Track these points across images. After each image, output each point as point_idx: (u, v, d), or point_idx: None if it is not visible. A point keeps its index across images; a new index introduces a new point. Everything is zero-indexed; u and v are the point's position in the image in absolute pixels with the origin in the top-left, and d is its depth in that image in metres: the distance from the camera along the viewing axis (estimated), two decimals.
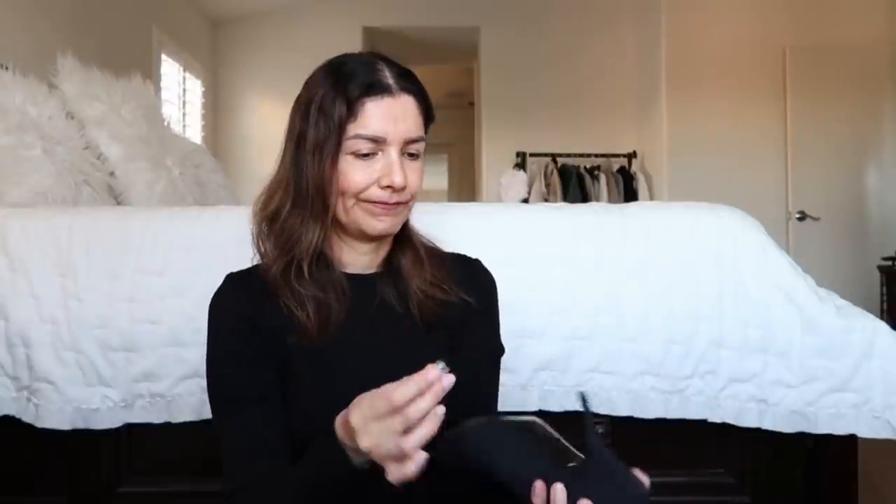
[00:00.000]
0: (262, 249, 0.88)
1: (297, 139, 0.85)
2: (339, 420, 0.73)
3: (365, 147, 0.82)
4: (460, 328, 0.94)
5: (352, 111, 0.81)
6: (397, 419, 0.66)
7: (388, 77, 0.83)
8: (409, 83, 0.84)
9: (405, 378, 0.67)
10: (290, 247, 0.85)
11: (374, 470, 0.70)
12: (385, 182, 0.83)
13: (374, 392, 0.69)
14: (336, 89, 0.81)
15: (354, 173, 0.83)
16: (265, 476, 0.81)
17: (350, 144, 0.82)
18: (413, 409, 0.65)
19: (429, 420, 0.66)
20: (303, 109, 0.85)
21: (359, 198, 0.84)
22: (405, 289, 0.90)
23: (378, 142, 0.82)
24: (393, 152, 0.83)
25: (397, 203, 0.85)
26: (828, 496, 1.35)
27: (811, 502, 1.36)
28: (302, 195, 0.85)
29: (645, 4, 4.60)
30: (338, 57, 0.87)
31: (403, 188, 0.84)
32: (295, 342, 0.85)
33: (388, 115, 0.82)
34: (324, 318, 0.84)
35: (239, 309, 0.86)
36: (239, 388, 0.84)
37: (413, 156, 0.86)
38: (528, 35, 4.92)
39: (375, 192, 0.84)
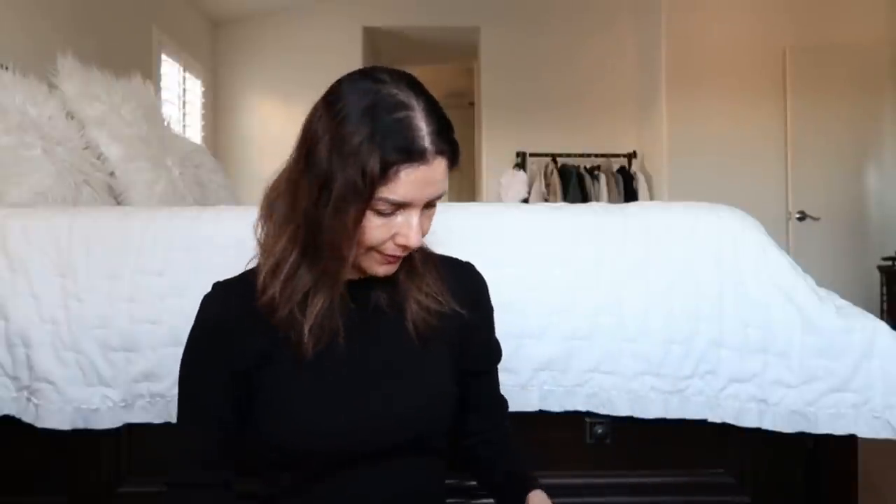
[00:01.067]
0: (265, 285, 0.84)
1: (323, 179, 0.78)
2: None
3: (387, 209, 0.79)
4: (459, 338, 0.94)
5: (385, 175, 0.76)
6: None
7: (425, 138, 0.77)
8: (445, 143, 0.79)
9: None
10: (296, 295, 0.83)
11: None
12: (401, 241, 0.81)
13: None
14: (372, 142, 0.75)
15: (372, 230, 0.80)
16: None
17: (374, 203, 0.78)
18: None
19: None
20: (329, 143, 0.77)
21: (374, 250, 0.83)
22: (399, 297, 0.90)
23: (402, 206, 0.80)
24: (414, 215, 0.81)
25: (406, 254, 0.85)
26: (828, 496, 1.35)
27: (811, 502, 1.36)
28: (317, 247, 0.81)
29: (645, 4, 4.60)
30: (372, 86, 0.79)
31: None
32: (287, 352, 0.85)
33: (419, 183, 0.78)
34: (319, 334, 0.84)
35: (223, 324, 0.86)
36: (200, 404, 0.87)
37: (431, 205, 0.83)
38: (528, 35, 4.93)
39: (389, 247, 0.82)
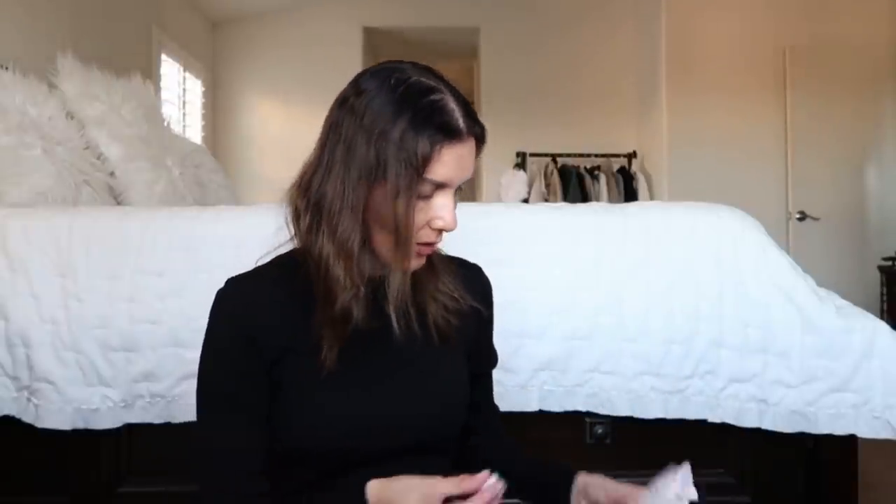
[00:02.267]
0: (331, 270, 0.82)
1: (371, 170, 0.78)
2: (377, 491, 0.77)
3: (428, 191, 0.80)
4: (474, 336, 0.95)
5: (430, 156, 0.78)
6: None
7: (460, 118, 0.79)
8: (474, 122, 0.81)
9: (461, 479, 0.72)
10: (358, 279, 0.82)
11: None
12: (438, 224, 0.81)
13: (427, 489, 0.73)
14: (415, 128, 0.77)
15: (414, 215, 0.80)
16: (250, 495, 0.82)
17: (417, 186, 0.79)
18: None
19: None
20: (370, 134, 0.78)
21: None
22: (419, 297, 0.89)
23: (441, 186, 0.81)
24: (450, 195, 0.82)
25: (437, 242, 0.84)
26: (828, 496, 1.35)
27: (811, 502, 1.36)
28: (378, 230, 0.81)
29: (645, 4, 4.60)
30: (398, 76, 0.80)
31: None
32: (307, 348, 0.82)
33: (457, 162, 0.80)
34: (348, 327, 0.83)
35: (240, 318, 0.84)
36: (229, 402, 0.84)
37: (458, 190, 0.84)
38: (527, 35, 4.92)
39: (426, 234, 0.82)
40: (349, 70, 0.83)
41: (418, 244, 0.83)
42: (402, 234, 0.79)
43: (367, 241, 0.82)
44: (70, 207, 1.68)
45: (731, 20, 4.25)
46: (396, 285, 0.84)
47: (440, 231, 0.83)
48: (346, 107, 0.81)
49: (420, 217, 0.81)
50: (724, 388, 1.31)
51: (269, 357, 0.84)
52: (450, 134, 0.78)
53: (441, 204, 0.81)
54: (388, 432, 0.85)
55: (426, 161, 0.77)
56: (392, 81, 0.79)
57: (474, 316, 0.93)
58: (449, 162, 0.79)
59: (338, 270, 0.80)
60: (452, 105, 0.79)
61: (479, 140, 0.83)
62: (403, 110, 0.78)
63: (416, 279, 0.89)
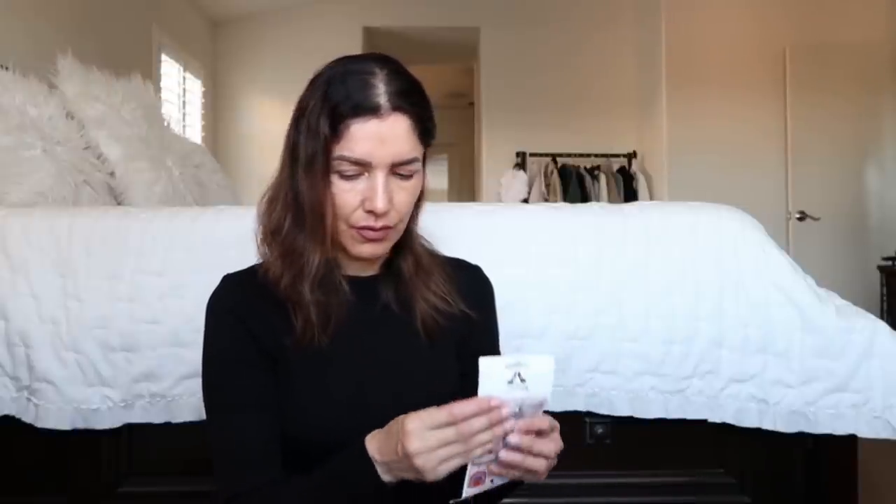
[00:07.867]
0: (268, 261, 0.86)
1: (291, 150, 0.84)
2: (373, 436, 0.76)
3: (349, 169, 0.80)
4: (463, 338, 0.94)
5: (336, 132, 0.78)
6: (451, 430, 0.70)
7: (381, 95, 0.78)
8: (404, 102, 0.79)
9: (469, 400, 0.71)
10: (296, 263, 0.83)
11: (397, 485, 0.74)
12: (367, 206, 0.81)
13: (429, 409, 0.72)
14: (322, 105, 0.79)
15: (340, 196, 0.81)
16: (265, 483, 0.81)
17: (335, 164, 0.80)
18: (467, 426, 0.69)
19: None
20: (296, 116, 0.83)
21: (348, 223, 0.82)
22: (406, 294, 0.90)
23: (363, 165, 0.80)
24: (379, 175, 0.80)
25: (384, 228, 0.83)
26: (828, 496, 1.35)
27: (811, 502, 1.36)
28: (300, 211, 0.83)
29: (645, 4, 4.60)
30: (340, 62, 0.83)
31: (387, 212, 0.81)
32: (294, 344, 0.84)
33: (374, 138, 0.78)
34: (325, 322, 0.84)
35: (237, 311, 0.86)
36: (237, 391, 0.84)
37: (405, 176, 0.82)
38: (528, 35, 4.92)
39: (360, 217, 0.82)
40: None
41: (357, 227, 0.83)
42: (314, 212, 0.81)
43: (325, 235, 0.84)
44: (70, 207, 1.68)
45: (731, 20, 4.25)
46: (352, 271, 0.88)
47: (375, 214, 0.81)
48: (297, 103, 0.85)
49: (350, 198, 0.81)
50: (724, 388, 1.31)
51: (265, 349, 0.85)
52: (359, 110, 0.78)
53: (368, 186, 0.81)
54: (373, 428, 0.85)
55: (333, 136, 0.78)
56: (334, 66, 0.82)
57: (464, 318, 0.92)
58: (364, 139, 0.78)
59: (276, 266, 0.84)
60: (375, 82, 0.79)
61: (418, 122, 0.81)
62: (319, 89, 0.80)
63: (405, 279, 0.90)
